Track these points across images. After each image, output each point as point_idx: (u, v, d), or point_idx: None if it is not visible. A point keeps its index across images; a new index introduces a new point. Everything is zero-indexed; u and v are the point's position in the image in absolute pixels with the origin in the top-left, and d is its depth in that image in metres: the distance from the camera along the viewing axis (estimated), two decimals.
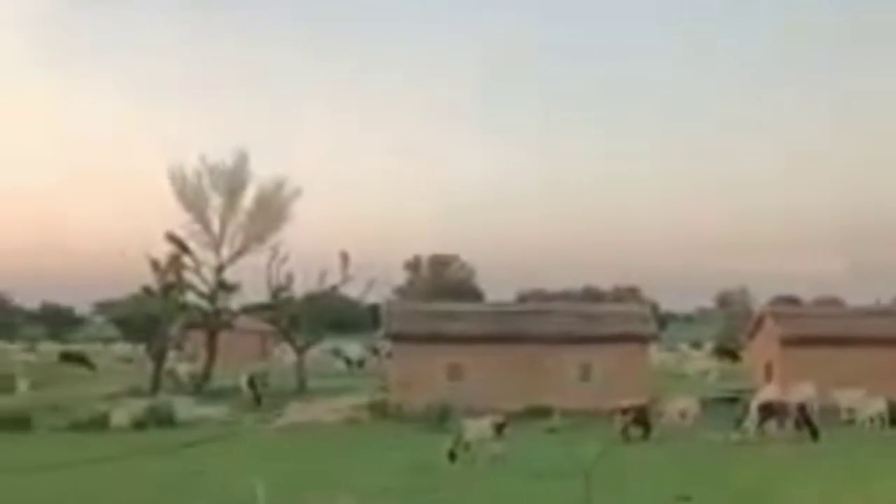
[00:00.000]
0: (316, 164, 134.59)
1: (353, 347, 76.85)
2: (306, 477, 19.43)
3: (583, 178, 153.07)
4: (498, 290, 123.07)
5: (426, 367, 35.46)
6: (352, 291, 52.81)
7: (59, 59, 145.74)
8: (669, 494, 17.35)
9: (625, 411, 27.98)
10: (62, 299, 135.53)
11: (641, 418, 27.85)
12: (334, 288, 49.87)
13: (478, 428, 22.90)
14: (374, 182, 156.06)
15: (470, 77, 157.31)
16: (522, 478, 19.72)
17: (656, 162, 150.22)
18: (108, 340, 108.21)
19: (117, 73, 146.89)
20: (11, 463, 21.89)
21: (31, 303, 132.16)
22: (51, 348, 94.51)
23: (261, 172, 49.34)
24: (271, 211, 48.52)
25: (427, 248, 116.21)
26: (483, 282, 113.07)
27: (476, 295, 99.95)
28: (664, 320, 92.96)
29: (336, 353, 75.77)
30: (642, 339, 37.66)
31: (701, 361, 62.44)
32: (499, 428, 23.01)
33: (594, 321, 38.17)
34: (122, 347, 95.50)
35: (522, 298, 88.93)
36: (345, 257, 48.65)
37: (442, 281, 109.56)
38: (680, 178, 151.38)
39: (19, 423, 30.23)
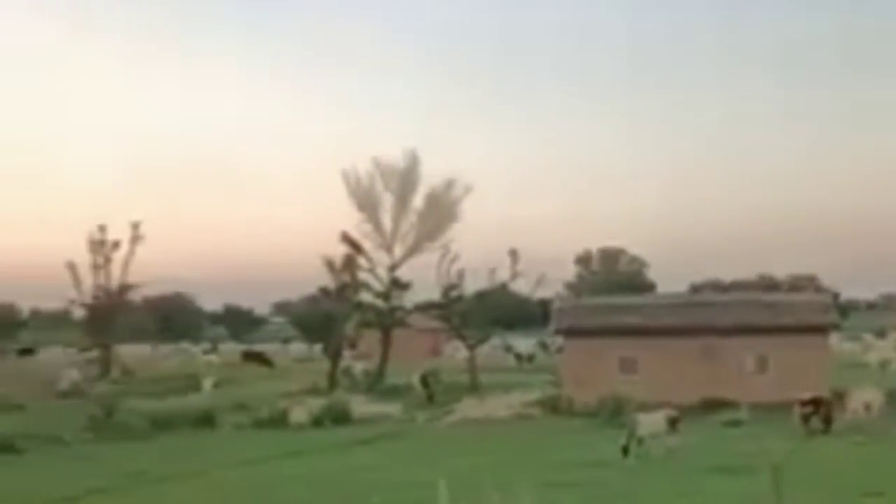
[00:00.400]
0: (484, 162, 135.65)
1: (524, 343, 76.78)
2: (482, 472, 19.35)
3: (761, 168, 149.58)
4: (670, 281, 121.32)
5: (598, 361, 35.07)
6: (522, 287, 52.89)
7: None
8: (857, 490, 16.56)
9: (805, 404, 26.94)
10: (243, 301, 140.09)
11: (823, 411, 26.77)
12: (504, 285, 49.97)
13: (651, 422, 22.45)
14: (539, 178, 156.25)
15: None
16: (699, 473, 19.20)
17: (836, 147, 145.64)
18: (287, 340, 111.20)
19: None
20: (197, 460, 22.67)
21: (213, 305, 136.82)
22: (232, 348, 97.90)
23: (430, 172, 49.98)
24: (442, 210, 48.94)
25: (598, 242, 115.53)
26: (655, 273, 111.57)
27: (648, 287, 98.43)
28: (845, 309, 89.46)
29: (507, 349, 75.85)
30: (822, 329, 36.18)
31: (885, 351, 59.81)
32: (673, 422, 22.51)
33: (771, 311, 36.86)
34: (299, 347, 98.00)
35: (696, 289, 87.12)
36: (514, 254, 48.73)
37: (612, 274, 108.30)
38: (861, 163, 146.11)
39: (205, 420, 31.26)
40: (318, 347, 77.73)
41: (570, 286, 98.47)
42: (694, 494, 16.89)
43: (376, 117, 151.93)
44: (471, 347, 49.29)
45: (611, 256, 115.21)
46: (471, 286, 49.85)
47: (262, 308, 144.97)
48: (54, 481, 19.49)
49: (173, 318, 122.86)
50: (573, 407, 33.12)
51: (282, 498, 17.00)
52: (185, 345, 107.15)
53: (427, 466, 20.39)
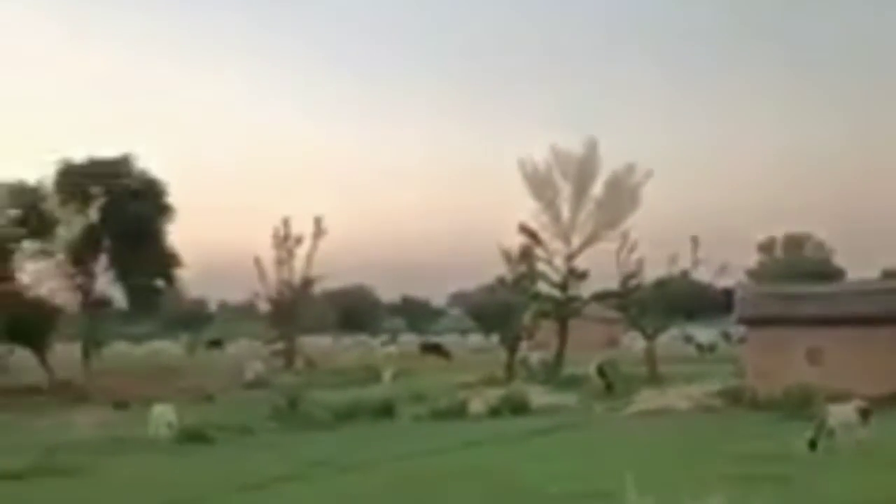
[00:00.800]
0: (662, 147, 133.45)
1: (705, 333, 75.17)
2: (664, 464, 19.00)
3: None
4: (860, 268, 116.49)
5: (783, 351, 33.83)
6: (703, 276, 51.78)
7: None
8: None
9: None
10: (420, 292, 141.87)
11: None
12: (685, 273, 48.99)
13: (842, 413, 21.48)
14: (719, 163, 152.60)
15: None
16: (892, 468, 18.27)
17: None
18: (464, 331, 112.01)
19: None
20: (377, 450, 22.97)
21: (391, 296, 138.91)
22: (410, 340, 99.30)
23: (609, 158, 49.33)
24: (621, 197, 48.23)
25: (780, 229, 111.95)
26: (844, 259, 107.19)
27: (836, 274, 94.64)
28: None
29: (687, 339, 74.46)
30: None
31: None
32: (864, 414, 21.48)
33: None
34: (476, 338, 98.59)
35: (888, 275, 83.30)
36: (695, 241, 47.76)
37: (797, 261, 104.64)
38: None
39: (384, 411, 31.69)
40: (494, 338, 78.05)
41: (751, 274, 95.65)
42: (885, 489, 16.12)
43: (549, 103, 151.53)
44: (649, 337, 48.54)
45: (795, 243, 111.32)
46: (650, 275, 49.16)
47: (439, 299, 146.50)
48: (242, 469, 20.10)
49: (353, 310, 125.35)
50: (756, 398, 32.05)
51: (459, 488, 16.99)
52: (364, 337, 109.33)
53: (607, 458, 20.11)
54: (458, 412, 31.66)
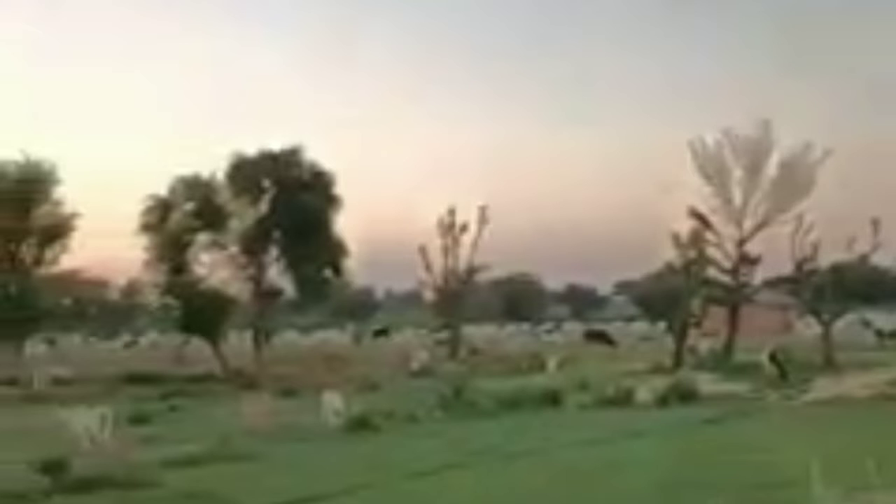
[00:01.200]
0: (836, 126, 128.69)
1: (886, 319, 72.27)
2: (846, 455, 18.08)
3: None
4: None
5: None
6: (883, 260, 49.75)
7: None
8: None
9: None
10: (585, 280, 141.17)
11: None
12: (864, 256, 47.12)
13: None
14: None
15: None
16: None
17: None
18: (629, 319, 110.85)
19: None
20: (542, 438, 22.76)
21: (556, 284, 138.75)
22: (574, 328, 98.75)
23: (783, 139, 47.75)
24: (797, 178, 46.65)
25: None
26: None
27: None
28: None
29: (865, 324, 71.71)
30: None
31: None
32: None
33: None
34: (641, 326, 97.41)
35: None
36: (876, 223, 45.79)
37: None
38: None
39: (549, 399, 31.40)
40: (660, 326, 76.85)
41: None
42: None
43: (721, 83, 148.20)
44: (825, 323, 46.83)
45: None
46: (826, 259, 47.46)
47: (603, 287, 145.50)
48: (410, 456, 20.21)
49: (518, 298, 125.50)
50: None
51: (626, 477, 16.63)
52: (528, 325, 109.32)
53: (784, 447, 19.33)
54: (625, 400, 31.06)
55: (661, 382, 33.28)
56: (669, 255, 49.07)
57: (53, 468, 17.18)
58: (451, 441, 22.71)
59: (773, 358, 38.90)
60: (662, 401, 30.84)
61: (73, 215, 48.89)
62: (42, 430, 23.58)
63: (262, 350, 54.85)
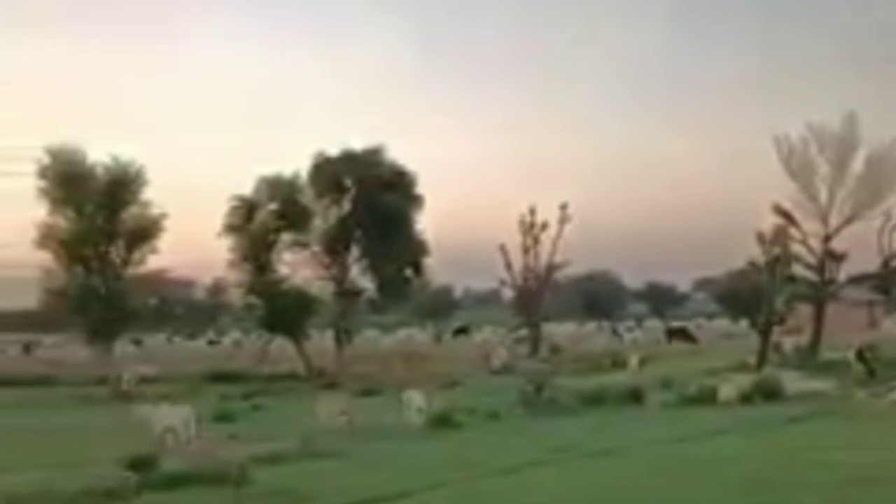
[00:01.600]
0: None
1: None
2: None
3: None
4: None
5: None
6: None
7: None
8: None
9: None
10: (665, 278, 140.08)
11: None
12: None
13: None
14: None
15: None
16: None
17: None
18: (710, 316, 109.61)
19: None
20: (624, 436, 22.70)
21: (636, 282, 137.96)
22: (654, 325, 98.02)
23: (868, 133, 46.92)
24: (884, 174, 45.82)
25: None
26: None
27: None
28: None
29: None
30: None
31: None
32: None
33: None
34: (722, 323, 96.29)
35: None
36: None
37: None
38: None
39: (631, 397, 31.28)
40: (742, 323, 75.96)
41: None
42: None
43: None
44: None
45: None
46: None
47: (683, 285, 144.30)
48: (493, 453, 20.29)
49: (598, 296, 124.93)
50: None
51: (711, 476, 16.52)
52: (607, 322, 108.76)
53: (871, 446, 19.05)
54: (708, 398, 30.77)
55: (745, 380, 32.87)
56: (752, 252, 48.46)
57: (142, 465, 17.61)
58: (534, 438, 22.78)
59: (860, 355, 38.22)
60: (747, 399, 30.49)
61: (162, 216, 49.79)
62: (130, 427, 24.08)
63: (343, 349, 55.38)
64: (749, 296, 52.01)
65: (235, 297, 59.87)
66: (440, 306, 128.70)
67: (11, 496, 14.44)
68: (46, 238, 48.18)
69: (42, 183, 47.83)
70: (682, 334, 69.68)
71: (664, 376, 38.20)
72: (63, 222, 48.45)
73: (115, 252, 48.92)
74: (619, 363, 49.31)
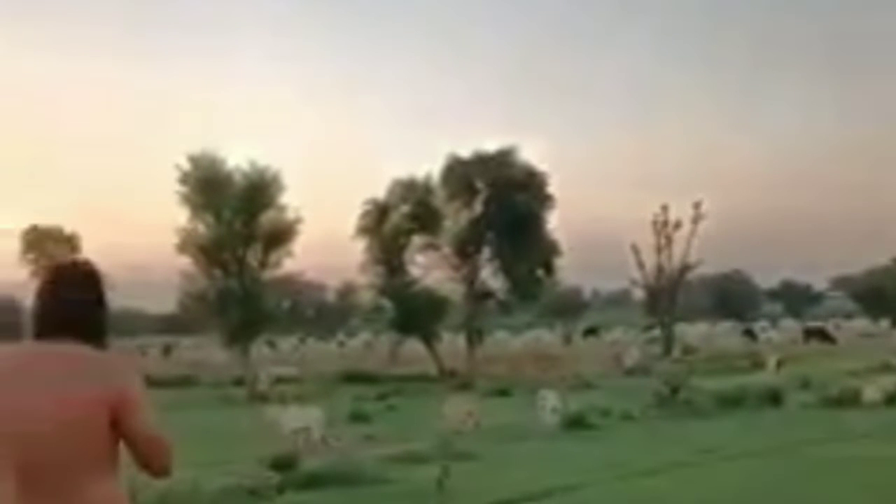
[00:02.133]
0: None
1: None
2: None
3: None
4: None
5: None
6: None
7: None
8: None
9: None
10: (800, 277, 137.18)
11: None
12: None
13: None
14: None
15: None
16: None
17: None
18: (847, 316, 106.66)
19: None
20: (766, 437, 22.29)
21: (770, 282, 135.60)
22: (790, 325, 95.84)
23: None
24: None
25: None
26: None
27: None
28: None
29: None
30: None
31: None
32: None
33: None
34: (861, 322, 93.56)
35: None
36: None
37: None
38: None
39: (770, 399, 30.66)
40: (882, 323, 73.77)
41: None
42: None
43: None
44: None
45: None
46: None
47: (819, 284, 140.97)
48: (634, 454, 20.18)
49: (730, 295, 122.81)
50: None
51: (856, 480, 16.12)
52: (742, 323, 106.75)
53: None
54: (851, 400, 29.94)
55: (889, 381, 31.89)
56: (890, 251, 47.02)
57: (284, 464, 17.99)
58: (675, 439, 22.52)
59: None
60: (892, 400, 29.60)
61: (297, 220, 50.69)
62: (268, 427, 24.61)
63: (475, 350, 55.63)
64: (893, 294, 50.46)
65: (365, 299, 60.69)
66: (568, 307, 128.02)
67: (164, 494, 14.89)
68: (186, 243, 49.51)
69: (183, 189, 49.12)
70: (821, 334, 68.02)
71: (803, 377, 37.33)
72: (202, 227, 49.70)
73: (252, 255, 50.03)
74: (758, 364, 48.41)
